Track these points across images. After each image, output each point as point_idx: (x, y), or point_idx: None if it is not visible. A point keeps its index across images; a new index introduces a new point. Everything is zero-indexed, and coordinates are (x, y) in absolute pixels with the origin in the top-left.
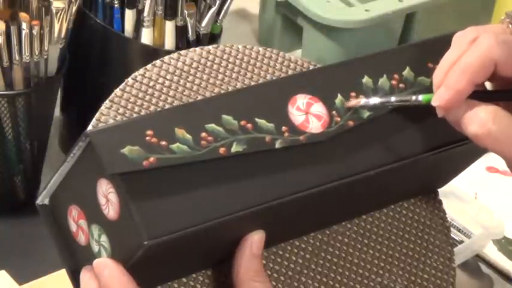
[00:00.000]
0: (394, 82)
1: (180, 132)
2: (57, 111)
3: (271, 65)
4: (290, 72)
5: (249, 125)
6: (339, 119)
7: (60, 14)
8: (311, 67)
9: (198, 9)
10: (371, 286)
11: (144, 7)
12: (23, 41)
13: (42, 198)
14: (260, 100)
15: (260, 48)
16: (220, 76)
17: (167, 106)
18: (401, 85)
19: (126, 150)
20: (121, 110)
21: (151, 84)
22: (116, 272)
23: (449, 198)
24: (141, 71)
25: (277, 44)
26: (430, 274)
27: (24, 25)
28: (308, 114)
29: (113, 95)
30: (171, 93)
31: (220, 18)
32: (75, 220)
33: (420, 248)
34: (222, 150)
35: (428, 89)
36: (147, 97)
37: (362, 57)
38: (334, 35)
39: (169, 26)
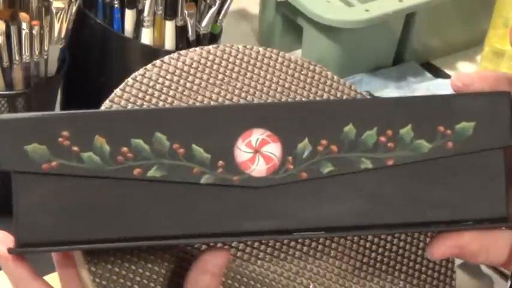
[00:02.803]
0: (382, 139)
1: (99, 140)
2: (57, 111)
3: (271, 65)
4: (290, 72)
5: (181, 150)
6: (291, 166)
7: (60, 14)
8: (311, 67)
9: (198, 9)
10: (371, 286)
11: (144, 7)
12: (23, 41)
13: None
14: (211, 124)
15: (260, 48)
16: (220, 76)
17: (167, 106)
18: (390, 144)
19: (30, 147)
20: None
21: (151, 84)
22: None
23: None
24: (141, 71)
25: (277, 44)
26: (430, 274)
27: (24, 25)
28: (257, 153)
29: (112, 95)
30: (171, 93)
31: (220, 18)
32: None
33: (420, 248)
34: (136, 171)
35: (423, 157)
36: (147, 97)
37: (361, 99)
38: (334, 35)
39: (169, 26)
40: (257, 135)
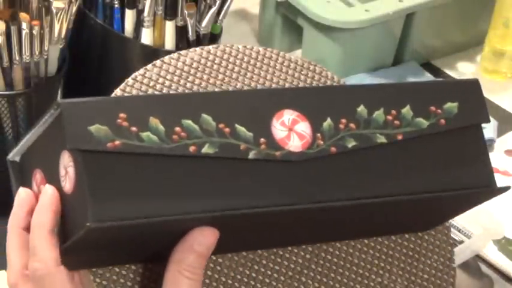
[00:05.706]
0: (389, 117)
1: (154, 121)
2: (112, 96)
3: (271, 65)
4: (290, 72)
5: (227, 129)
6: (321, 142)
7: (60, 14)
8: (311, 67)
9: (198, 9)
10: (371, 286)
11: (144, 7)
12: (23, 41)
13: (14, 155)
14: (247, 106)
15: (260, 48)
16: (220, 76)
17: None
18: (396, 122)
19: (93, 128)
20: None
21: (151, 84)
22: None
23: None
24: (141, 71)
25: (277, 44)
26: (430, 274)
27: (24, 25)
28: (291, 131)
29: (113, 95)
30: (172, 93)
31: (220, 18)
32: (37, 184)
33: (420, 248)
34: (192, 148)
35: (423, 132)
36: None
37: (364, 85)
38: (334, 35)
39: (169, 26)
40: (288, 115)
